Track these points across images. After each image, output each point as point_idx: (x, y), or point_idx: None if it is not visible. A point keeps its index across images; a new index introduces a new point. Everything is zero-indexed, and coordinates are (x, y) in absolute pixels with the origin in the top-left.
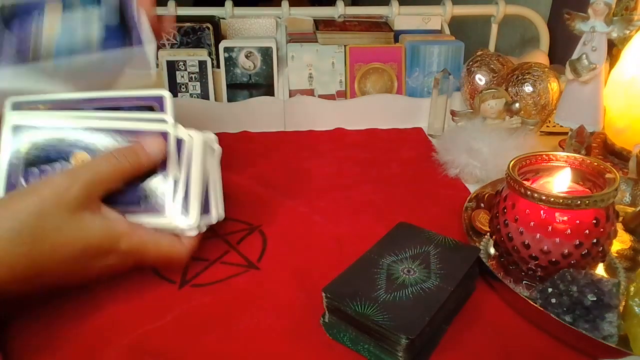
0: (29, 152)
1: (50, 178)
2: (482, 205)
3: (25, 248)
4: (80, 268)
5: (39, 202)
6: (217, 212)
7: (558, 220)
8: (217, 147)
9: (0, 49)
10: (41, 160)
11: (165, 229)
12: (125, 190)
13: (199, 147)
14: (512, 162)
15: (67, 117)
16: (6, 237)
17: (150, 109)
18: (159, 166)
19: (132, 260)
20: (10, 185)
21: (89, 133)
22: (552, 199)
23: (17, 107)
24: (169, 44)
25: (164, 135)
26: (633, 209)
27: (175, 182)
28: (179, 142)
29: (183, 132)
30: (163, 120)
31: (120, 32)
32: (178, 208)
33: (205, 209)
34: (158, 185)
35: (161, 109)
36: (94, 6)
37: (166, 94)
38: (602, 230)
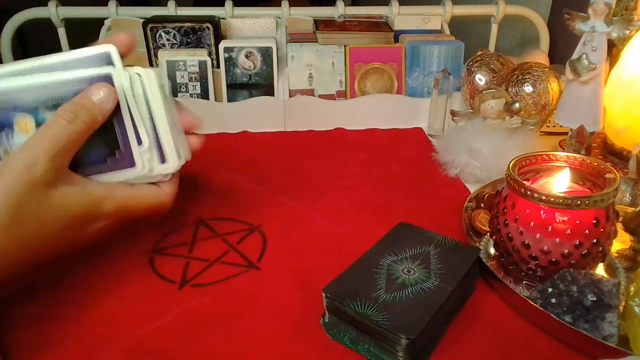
0: None
1: (10, 159)
2: (482, 205)
3: (7, 237)
4: (70, 239)
5: (7, 189)
6: (184, 153)
7: (558, 220)
8: (166, 82)
9: None
10: None
11: (142, 179)
12: (86, 150)
13: (154, 84)
14: (512, 162)
15: None
16: None
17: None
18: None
19: (120, 219)
20: None
21: (26, 92)
22: (552, 199)
23: None
24: (169, 44)
25: (109, 79)
26: (633, 209)
27: (137, 128)
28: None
29: (131, 71)
30: (108, 57)
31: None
32: (150, 155)
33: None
34: (118, 136)
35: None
36: None
37: (115, 71)
38: (602, 230)
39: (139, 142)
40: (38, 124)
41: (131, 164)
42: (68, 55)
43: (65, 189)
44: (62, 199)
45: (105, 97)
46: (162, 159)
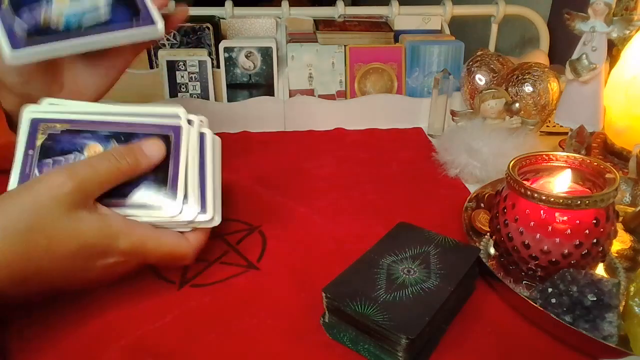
0: (44, 143)
1: (45, 174)
2: (482, 205)
3: (20, 247)
4: (79, 268)
5: (33, 199)
6: (219, 216)
7: (558, 220)
8: (219, 144)
9: (12, 32)
10: (55, 151)
11: (173, 224)
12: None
13: (212, 141)
14: (512, 162)
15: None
16: (0, 235)
17: (166, 138)
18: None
19: (135, 260)
20: (25, 176)
21: (104, 126)
22: (552, 199)
23: (34, 124)
24: (169, 44)
25: (177, 130)
26: (633, 209)
27: (186, 176)
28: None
29: (204, 128)
30: (177, 116)
31: (127, 8)
32: (192, 201)
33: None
34: (169, 177)
35: (176, 138)
36: None
37: (184, 125)
38: (602, 230)
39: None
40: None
41: (173, 196)
42: (142, 119)
43: (85, 215)
44: (79, 223)
45: (156, 151)
46: (203, 209)
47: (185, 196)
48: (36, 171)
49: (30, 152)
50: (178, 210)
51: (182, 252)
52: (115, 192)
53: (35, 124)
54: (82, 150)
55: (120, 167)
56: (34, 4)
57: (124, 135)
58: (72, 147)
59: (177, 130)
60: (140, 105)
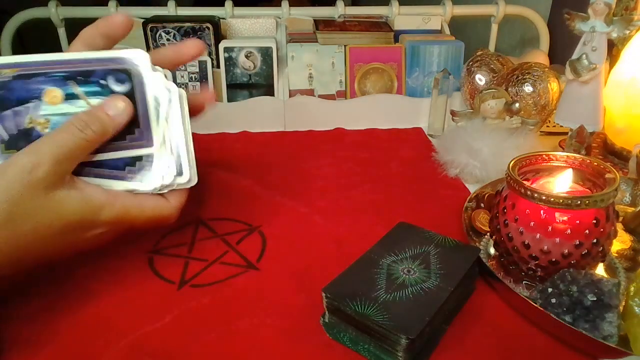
0: None
1: (14, 158)
2: (482, 205)
3: (6, 236)
4: (68, 242)
5: (6, 186)
6: (195, 176)
7: (558, 220)
8: (185, 98)
9: None
10: (11, 101)
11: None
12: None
13: (178, 100)
14: (512, 162)
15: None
16: None
17: (127, 72)
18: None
19: (122, 227)
20: None
21: (58, 65)
22: (552, 199)
23: None
24: (169, 44)
25: (137, 58)
26: (633, 209)
27: (158, 141)
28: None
29: (161, 85)
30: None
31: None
32: (169, 168)
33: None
34: (140, 117)
35: (139, 73)
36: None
37: (141, 54)
38: (602, 230)
39: (154, 141)
40: (67, 97)
41: (149, 143)
42: (96, 54)
43: (65, 193)
44: (60, 203)
45: (121, 111)
46: (179, 172)
47: (179, 167)
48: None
49: None
50: (159, 183)
51: (165, 214)
52: (93, 162)
53: None
54: (39, 96)
55: (87, 137)
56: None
57: (82, 74)
58: (28, 94)
59: (137, 58)
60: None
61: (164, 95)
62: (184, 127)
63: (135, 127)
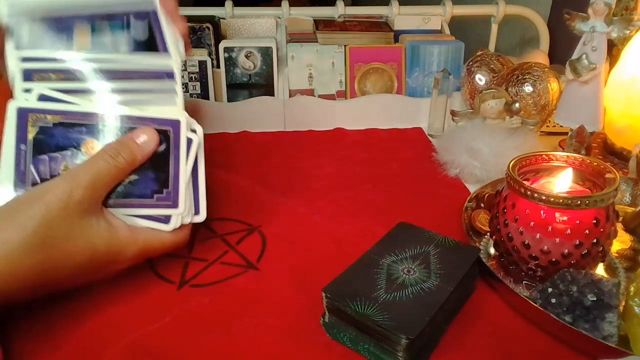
0: (36, 138)
1: (51, 183)
2: (482, 205)
3: (35, 259)
4: (89, 274)
5: (46, 210)
6: (204, 212)
7: (558, 220)
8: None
9: (20, 174)
10: (50, 147)
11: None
12: (137, 182)
13: (201, 142)
14: (512, 162)
15: (76, 99)
16: (17, 250)
17: (165, 134)
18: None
19: (142, 259)
20: (20, 173)
21: (97, 118)
22: (552, 199)
23: (22, 114)
24: None
25: (176, 124)
26: (633, 209)
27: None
28: (188, 139)
29: (196, 126)
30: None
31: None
32: (189, 212)
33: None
34: (170, 176)
35: (175, 135)
36: (122, 30)
37: (182, 117)
38: (602, 230)
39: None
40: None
41: (175, 205)
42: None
43: (94, 222)
44: (89, 229)
45: (148, 140)
46: (197, 211)
47: (197, 205)
48: (32, 168)
49: (22, 147)
50: (196, 219)
51: (180, 242)
52: (133, 190)
53: (23, 114)
54: (78, 146)
55: (117, 164)
56: (58, 154)
57: (122, 130)
58: (68, 142)
59: (175, 125)
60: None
61: (192, 150)
62: (203, 171)
63: (164, 188)
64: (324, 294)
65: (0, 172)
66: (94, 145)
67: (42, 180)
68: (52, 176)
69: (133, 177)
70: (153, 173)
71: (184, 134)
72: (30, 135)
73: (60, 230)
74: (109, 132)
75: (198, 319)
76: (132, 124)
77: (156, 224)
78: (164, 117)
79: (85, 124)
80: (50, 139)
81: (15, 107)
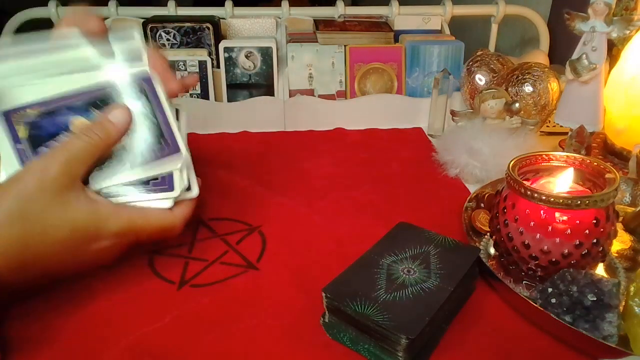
0: (30, 134)
1: (28, 164)
2: (482, 205)
3: (15, 233)
4: (73, 252)
5: (21, 188)
6: (196, 184)
7: (558, 220)
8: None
9: None
10: (44, 138)
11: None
12: (135, 138)
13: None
14: (512, 162)
15: (47, 86)
16: None
17: (142, 91)
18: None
19: (126, 240)
20: None
21: (75, 97)
22: (552, 199)
23: (6, 117)
24: (169, 44)
25: (146, 77)
26: (633, 209)
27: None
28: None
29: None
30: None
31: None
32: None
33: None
34: (163, 128)
35: (151, 88)
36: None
37: (149, 69)
38: (602, 230)
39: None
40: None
41: (170, 188)
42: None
43: (74, 197)
44: (69, 205)
45: (121, 116)
46: (188, 187)
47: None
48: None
49: (19, 146)
50: (189, 195)
51: (170, 225)
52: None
53: (7, 116)
54: (67, 128)
55: (92, 141)
56: (53, 141)
57: (99, 100)
58: (58, 128)
59: (148, 80)
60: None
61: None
62: (184, 140)
63: (161, 138)
64: (324, 294)
65: (6, 173)
66: (82, 122)
67: None
68: None
69: (126, 141)
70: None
71: (158, 85)
72: (23, 134)
73: (36, 204)
74: (91, 106)
75: (198, 319)
76: (107, 87)
77: (161, 194)
78: (135, 73)
79: (65, 105)
80: (40, 130)
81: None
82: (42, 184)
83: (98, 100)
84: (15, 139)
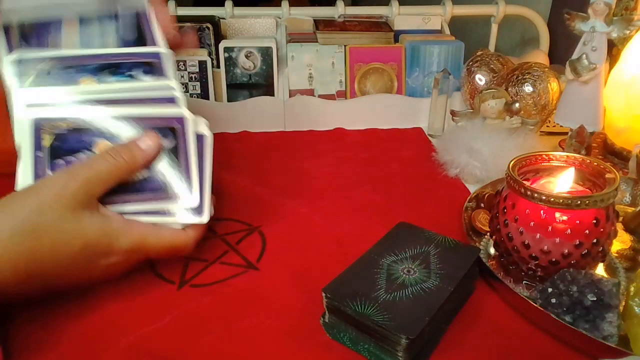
0: (52, 144)
1: (49, 177)
2: (482, 205)
3: (26, 246)
4: (82, 268)
5: (38, 201)
6: (210, 211)
7: (558, 220)
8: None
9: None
10: (65, 151)
11: (171, 224)
12: (149, 179)
13: (210, 143)
14: (512, 162)
15: (84, 104)
16: (7, 236)
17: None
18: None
19: (136, 257)
20: (39, 178)
21: (108, 121)
22: (552, 199)
23: (36, 125)
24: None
25: (181, 121)
26: (633, 209)
27: (189, 176)
28: (199, 138)
29: (203, 128)
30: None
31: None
32: (192, 203)
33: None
34: (172, 177)
35: (182, 131)
36: (110, 21)
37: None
38: (602, 230)
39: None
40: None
41: (173, 198)
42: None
43: (87, 215)
44: (81, 222)
45: (151, 145)
46: (200, 212)
47: (200, 205)
48: (49, 172)
49: (39, 153)
50: (198, 220)
51: (182, 244)
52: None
53: (37, 124)
54: (91, 147)
55: (117, 164)
56: (73, 157)
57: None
58: (81, 145)
59: (181, 121)
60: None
61: (207, 147)
62: (210, 171)
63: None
64: (324, 294)
65: (19, 178)
66: (105, 146)
67: None
68: None
69: (146, 173)
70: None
71: (191, 129)
72: (46, 142)
73: (51, 219)
74: (119, 134)
75: (198, 319)
76: (139, 124)
77: (162, 218)
78: (168, 115)
79: (96, 127)
80: (64, 144)
81: (31, 118)
82: (60, 199)
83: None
84: (37, 146)
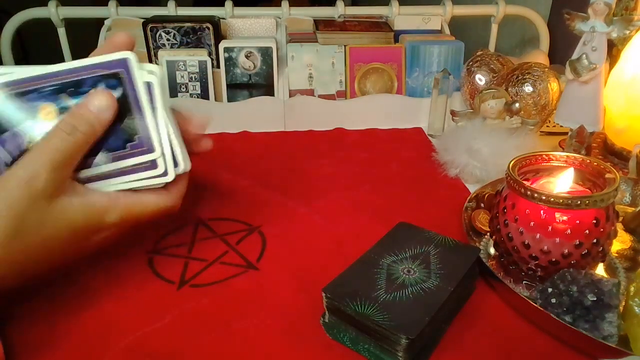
0: None
1: (11, 172)
2: (482, 205)
3: (15, 249)
4: (75, 249)
5: (10, 201)
6: (187, 160)
7: (558, 220)
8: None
9: None
10: (10, 123)
11: (149, 186)
12: (106, 137)
13: (158, 86)
14: (512, 162)
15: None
16: None
17: (117, 77)
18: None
19: (127, 226)
20: None
21: (45, 79)
22: (552, 199)
23: None
24: (169, 44)
25: (124, 63)
26: (633, 209)
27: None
28: (148, 85)
29: (147, 73)
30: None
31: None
32: (168, 164)
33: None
34: (137, 122)
35: (128, 74)
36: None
37: (130, 55)
38: (602, 230)
39: (158, 133)
40: (61, 110)
41: (150, 149)
42: (83, 61)
43: (67, 200)
44: (64, 212)
45: (105, 106)
46: (175, 163)
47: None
48: (0, 149)
49: None
50: (175, 172)
51: (169, 205)
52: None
53: None
54: (35, 114)
55: (75, 141)
56: (19, 128)
57: (72, 85)
58: (25, 113)
59: (125, 64)
60: (78, 61)
61: (154, 89)
62: (167, 113)
63: (135, 134)
64: (324, 294)
65: None
66: (50, 110)
67: (14, 158)
68: (21, 152)
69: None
70: (119, 122)
71: (136, 71)
72: None
73: (30, 218)
74: (60, 91)
75: (198, 319)
76: (80, 76)
77: (147, 172)
78: (110, 59)
79: (34, 89)
80: (6, 114)
81: None
82: (31, 195)
83: (72, 86)
84: None
